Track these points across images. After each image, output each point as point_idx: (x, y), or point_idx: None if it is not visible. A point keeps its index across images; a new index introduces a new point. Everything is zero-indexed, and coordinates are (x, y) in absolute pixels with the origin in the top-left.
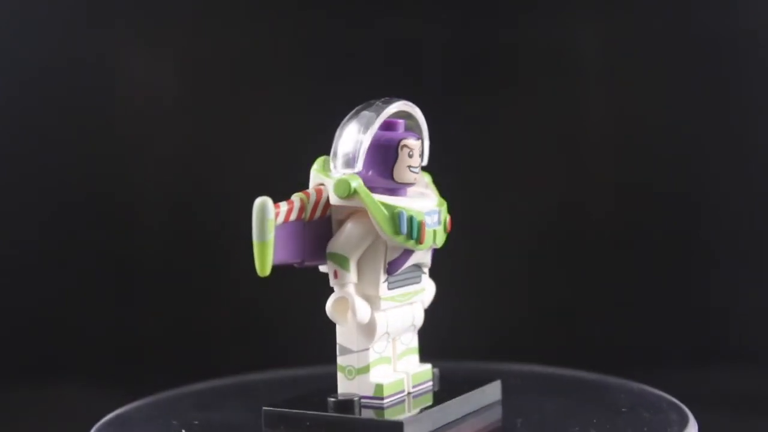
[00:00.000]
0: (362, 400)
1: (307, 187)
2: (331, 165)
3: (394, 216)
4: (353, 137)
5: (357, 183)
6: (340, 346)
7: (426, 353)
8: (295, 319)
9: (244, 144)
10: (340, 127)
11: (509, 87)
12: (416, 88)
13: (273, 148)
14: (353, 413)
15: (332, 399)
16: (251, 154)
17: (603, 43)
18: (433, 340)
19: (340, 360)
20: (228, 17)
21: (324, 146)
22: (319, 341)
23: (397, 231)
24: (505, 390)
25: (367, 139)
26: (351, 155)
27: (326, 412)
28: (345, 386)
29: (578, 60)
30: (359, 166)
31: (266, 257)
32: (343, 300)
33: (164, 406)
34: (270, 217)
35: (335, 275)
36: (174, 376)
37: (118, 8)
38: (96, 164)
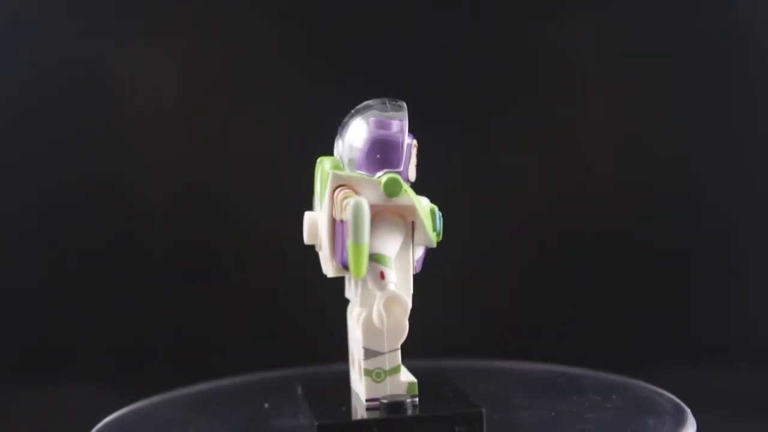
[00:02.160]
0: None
1: (312, 187)
2: (348, 165)
3: (432, 214)
4: (387, 137)
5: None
6: (367, 349)
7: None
8: (295, 319)
9: (245, 144)
10: (354, 127)
11: (509, 87)
12: (416, 89)
13: (273, 149)
14: (407, 413)
15: (384, 401)
16: (251, 154)
17: (603, 44)
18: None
19: (367, 364)
20: (228, 17)
21: (324, 146)
22: (316, 341)
23: (435, 228)
24: (506, 385)
25: (407, 140)
26: (393, 155)
27: (381, 415)
28: (374, 389)
29: (578, 61)
30: (402, 165)
31: (364, 260)
32: (393, 300)
33: (164, 407)
34: (368, 218)
35: (381, 276)
36: (174, 376)
37: (118, 8)
38: (96, 164)
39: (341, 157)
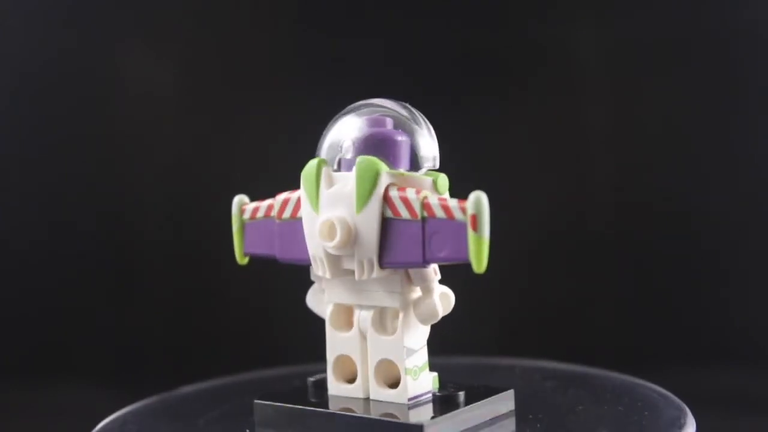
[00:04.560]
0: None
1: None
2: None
3: None
4: (428, 138)
5: None
6: (407, 348)
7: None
8: (295, 318)
9: (244, 145)
10: (399, 128)
11: (510, 89)
12: (416, 89)
13: (273, 149)
14: (462, 405)
15: (438, 395)
16: (251, 154)
17: (605, 47)
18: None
19: (408, 362)
20: (228, 19)
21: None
22: (312, 340)
23: None
24: (506, 383)
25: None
26: (433, 154)
27: (441, 414)
28: (414, 387)
29: (580, 64)
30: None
31: (487, 253)
32: (446, 296)
33: (164, 407)
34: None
35: (435, 272)
36: (174, 376)
37: (118, 11)
38: (96, 165)
39: (343, 155)
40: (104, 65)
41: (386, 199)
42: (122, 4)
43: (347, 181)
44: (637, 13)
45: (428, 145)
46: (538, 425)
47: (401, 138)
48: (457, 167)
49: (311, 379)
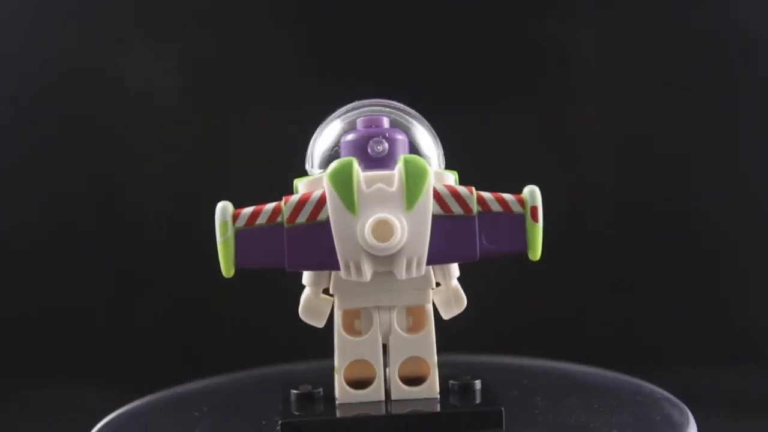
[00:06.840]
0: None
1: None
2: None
3: None
4: (427, 137)
5: None
6: (436, 345)
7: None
8: (294, 318)
9: (244, 145)
10: (412, 128)
11: (510, 89)
12: (416, 89)
13: (272, 149)
14: (478, 392)
15: (457, 383)
16: (251, 154)
17: (605, 47)
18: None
19: (437, 358)
20: (228, 19)
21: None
22: (310, 338)
23: None
24: (506, 382)
25: None
26: (442, 152)
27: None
28: (437, 381)
29: (580, 64)
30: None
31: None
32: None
33: (164, 407)
34: None
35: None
36: (174, 376)
37: (118, 11)
38: (96, 164)
39: (376, 153)
40: (104, 65)
41: (435, 196)
42: (122, 4)
43: (390, 180)
44: (637, 13)
45: (436, 142)
46: (537, 416)
47: (417, 136)
48: (456, 167)
49: (295, 391)
